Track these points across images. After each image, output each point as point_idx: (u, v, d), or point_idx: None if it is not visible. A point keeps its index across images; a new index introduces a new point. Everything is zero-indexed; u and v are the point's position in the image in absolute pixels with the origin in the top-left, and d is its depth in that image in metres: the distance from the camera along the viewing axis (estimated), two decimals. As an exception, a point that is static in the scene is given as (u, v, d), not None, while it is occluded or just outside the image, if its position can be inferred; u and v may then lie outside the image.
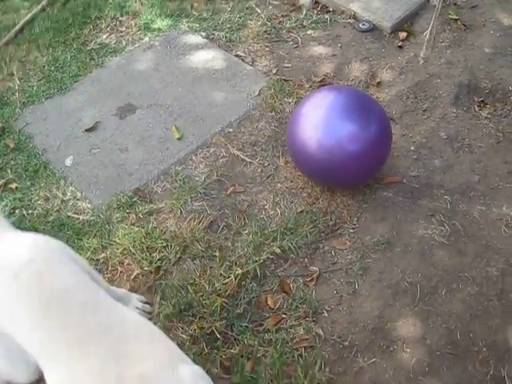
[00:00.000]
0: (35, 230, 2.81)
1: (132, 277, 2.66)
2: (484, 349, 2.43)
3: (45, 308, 1.72)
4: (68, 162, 3.16)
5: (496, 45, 3.67)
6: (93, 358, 1.62)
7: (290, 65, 3.61)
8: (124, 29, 3.89)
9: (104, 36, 3.85)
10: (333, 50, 3.71)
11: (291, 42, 3.77)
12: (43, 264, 1.82)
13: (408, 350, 2.44)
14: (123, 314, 1.81)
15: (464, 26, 3.80)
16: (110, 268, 2.70)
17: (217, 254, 2.71)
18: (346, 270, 2.69)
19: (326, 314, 2.55)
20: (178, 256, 2.71)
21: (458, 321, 2.52)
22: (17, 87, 3.55)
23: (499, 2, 3.97)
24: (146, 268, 2.67)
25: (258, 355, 2.43)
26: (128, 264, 2.70)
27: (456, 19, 3.84)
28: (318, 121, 2.71)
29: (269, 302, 2.59)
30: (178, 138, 3.18)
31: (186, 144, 3.16)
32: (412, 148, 3.14)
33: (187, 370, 1.65)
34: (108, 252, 2.74)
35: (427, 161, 3.08)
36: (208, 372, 2.30)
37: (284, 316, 2.55)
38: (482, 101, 3.36)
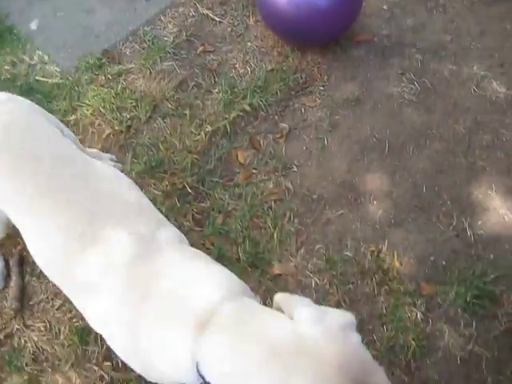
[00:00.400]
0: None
1: (103, 136, 2.66)
2: (448, 202, 2.51)
3: (14, 159, 1.66)
4: (33, 25, 3.08)
5: None
6: (65, 213, 1.57)
7: None
8: None
9: None
10: None
11: None
12: (10, 115, 1.77)
13: (375, 203, 2.51)
14: (99, 168, 1.75)
15: None
16: (81, 130, 2.70)
17: (187, 112, 2.71)
18: (316, 127, 2.71)
19: (295, 169, 2.60)
20: (148, 115, 2.71)
21: (425, 176, 2.58)
22: None
23: None
24: (116, 128, 2.67)
25: (229, 209, 2.49)
26: (99, 125, 2.70)
27: None
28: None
29: (239, 158, 2.63)
30: None
31: (154, 4, 3.08)
32: (385, 7, 3.09)
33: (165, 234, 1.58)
34: (78, 114, 2.73)
35: (400, 20, 3.05)
36: (180, 225, 2.39)
37: (254, 171, 2.59)
38: (458, -40, 3.29)
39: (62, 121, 2.64)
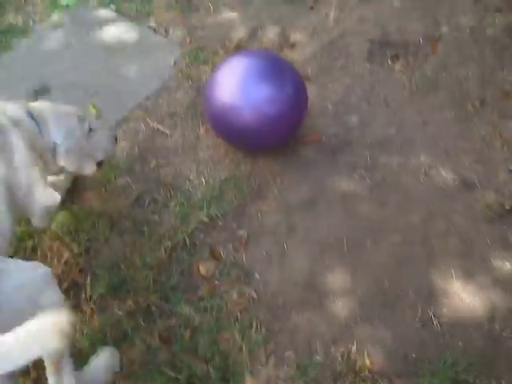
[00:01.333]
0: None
1: (63, 261, 2.63)
2: (411, 293, 2.54)
3: None
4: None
5: (404, -2, 3.76)
6: None
7: (203, 33, 3.60)
8: (30, 8, 3.79)
9: (10, 17, 3.73)
10: (245, 14, 3.71)
11: (203, 10, 3.75)
12: None
13: (340, 302, 2.53)
14: None
15: (371, -19, 3.86)
16: (39, 255, 2.66)
17: (145, 228, 2.72)
18: (274, 232, 2.74)
19: (257, 276, 2.61)
20: (106, 234, 2.71)
21: (386, 269, 2.62)
22: None
23: (404, -45, 4.04)
24: (75, 251, 2.65)
25: (195, 324, 2.47)
26: (57, 248, 2.67)
27: (364, -25, 3.89)
28: (234, 86, 2.72)
29: (201, 271, 2.62)
30: (96, 117, 3.13)
31: (104, 121, 3.12)
32: (329, 106, 3.19)
33: None
34: (36, 239, 2.71)
35: (345, 117, 3.15)
36: (148, 345, 2.37)
37: (217, 282, 2.59)
38: (394, 55, 3.45)
39: (18, 247, 2.67)
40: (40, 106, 2.47)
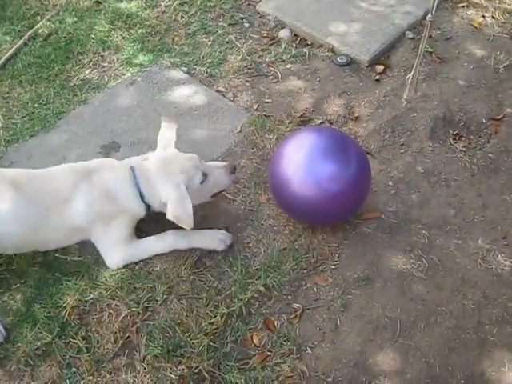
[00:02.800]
0: (22, 271, 2.87)
1: (120, 318, 2.71)
2: (462, 381, 2.53)
3: None
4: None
5: (470, 77, 3.80)
6: None
7: (270, 100, 3.70)
8: (106, 64, 3.95)
9: (87, 71, 3.89)
10: (312, 84, 3.80)
11: (271, 77, 3.85)
12: None
13: (389, 385, 2.54)
14: None
15: (439, 58, 3.92)
16: (98, 310, 2.75)
17: (204, 294, 2.77)
18: (328, 307, 2.77)
19: (309, 351, 2.63)
20: (164, 296, 2.77)
21: (437, 354, 2.61)
22: (0, 124, 3.58)
23: (472, 34, 4.10)
24: (133, 309, 2.72)
25: (246, 395, 2.51)
26: (116, 305, 2.75)
27: (431, 52, 3.96)
28: (300, 161, 2.78)
29: (254, 340, 2.66)
30: None
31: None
32: (390, 183, 3.23)
33: None
34: (96, 293, 2.79)
35: (405, 196, 3.18)
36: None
37: (269, 353, 2.62)
38: (457, 134, 3.47)
39: (79, 300, 2.76)
40: (155, 161, 2.87)
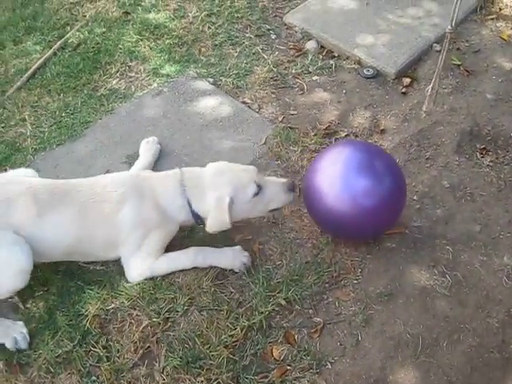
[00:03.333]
0: (46, 278, 2.90)
1: (141, 328, 2.72)
2: (485, 401, 2.50)
3: None
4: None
5: (498, 91, 3.75)
6: None
7: (295, 112, 3.70)
8: (133, 74, 3.98)
9: (114, 81, 3.93)
10: (337, 96, 3.79)
11: (297, 89, 3.85)
12: None
13: (410, 403, 2.50)
14: None
15: (466, 71, 3.89)
16: (119, 319, 2.76)
17: (224, 306, 2.77)
18: (350, 322, 2.74)
19: (329, 366, 2.61)
20: (185, 308, 2.77)
21: (459, 373, 2.58)
22: (29, 133, 3.63)
23: (501, 47, 4.06)
24: (154, 319, 2.73)
25: (264, 408, 2.50)
26: (137, 315, 2.76)
27: (459, 65, 3.93)
28: (334, 175, 2.78)
29: (274, 354, 2.65)
30: None
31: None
32: (415, 197, 3.20)
33: None
34: (117, 302, 2.80)
35: (430, 210, 3.15)
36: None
37: (289, 368, 2.61)
38: (483, 148, 3.43)
39: (101, 309, 2.77)
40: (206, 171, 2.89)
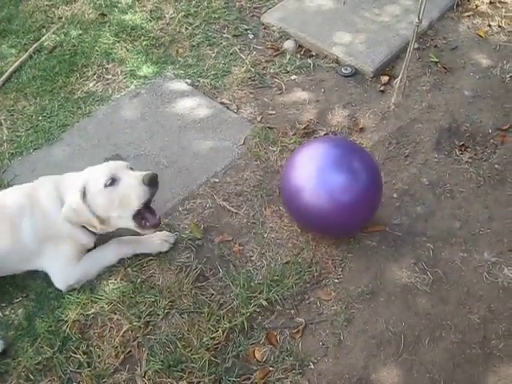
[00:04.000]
0: (24, 284, 2.86)
1: (121, 332, 2.69)
2: (467, 397, 2.50)
3: None
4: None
5: (476, 87, 3.77)
6: None
7: (274, 112, 3.68)
8: (110, 76, 3.95)
9: (91, 84, 3.90)
10: (316, 95, 3.79)
11: (275, 88, 3.84)
12: None
13: (393, 401, 2.50)
14: None
15: (444, 68, 3.90)
16: (99, 324, 2.73)
17: (205, 308, 2.74)
18: (332, 321, 2.74)
19: (312, 366, 2.60)
20: (166, 311, 2.75)
21: (442, 370, 2.58)
22: (5, 137, 3.59)
23: (478, 44, 4.08)
24: (134, 323, 2.70)
25: (247, 410, 2.48)
26: (117, 319, 2.73)
27: (436, 62, 3.94)
28: (311, 171, 2.77)
29: (256, 355, 2.64)
30: (196, 235, 3.06)
31: (172, 195, 3.20)
32: (395, 195, 3.20)
33: None
34: (97, 307, 2.78)
35: (409, 208, 3.15)
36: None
37: (271, 369, 2.59)
38: (462, 145, 3.44)
39: (81, 314, 2.74)
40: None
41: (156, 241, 2.92)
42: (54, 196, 2.79)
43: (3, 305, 2.83)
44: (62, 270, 2.83)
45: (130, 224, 2.78)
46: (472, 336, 2.68)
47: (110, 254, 2.90)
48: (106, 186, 2.71)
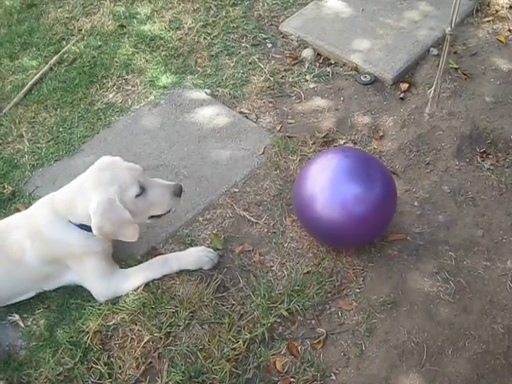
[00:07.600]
0: (46, 296, 2.88)
1: (142, 343, 2.69)
2: (492, 409, 2.46)
3: None
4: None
5: (496, 93, 3.73)
6: None
7: (293, 120, 3.68)
8: (130, 87, 3.97)
9: (110, 95, 3.92)
10: (335, 103, 3.77)
11: (294, 97, 3.83)
12: None
13: (416, 414, 2.47)
14: None
15: (464, 74, 3.86)
16: (120, 335, 2.73)
17: (226, 319, 2.73)
18: (353, 332, 2.72)
19: (333, 377, 2.58)
20: (186, 322, 2.74)
21: (465, 381, 2.54)
22: (26, 149, 3.62)
23: (498, 49, 4.04)
24: (155, 334, 2.70)
25: (268, 423, 2.47)
26: (138, 330, 2.73)
27: (456, 68, 3.90)
28: (324, 183, 2.76)
29: (277, 366, 2.62)
30: (218, 246, 3.06)
31: (192, 206, 3.20)
32: (416, 203, 3.18)
33: None
34: (118, 318, 2.78)
35: (431, 216, 3.12)
36: None
37: (292, 380, 2.58)
38: (484, 152, 3.41)
39: (102, 325, 2.75)
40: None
41: (200, 256, 2.90)
42: (50, 217, 2.75)
43: (25, 315, 2.85)
44: (99, 285, 2.85)
45: (144, 222, 2.86)
46: (496, 346, 2.64)
47: (153, 271, 2.88)
48: (137, 197, 2.70)
